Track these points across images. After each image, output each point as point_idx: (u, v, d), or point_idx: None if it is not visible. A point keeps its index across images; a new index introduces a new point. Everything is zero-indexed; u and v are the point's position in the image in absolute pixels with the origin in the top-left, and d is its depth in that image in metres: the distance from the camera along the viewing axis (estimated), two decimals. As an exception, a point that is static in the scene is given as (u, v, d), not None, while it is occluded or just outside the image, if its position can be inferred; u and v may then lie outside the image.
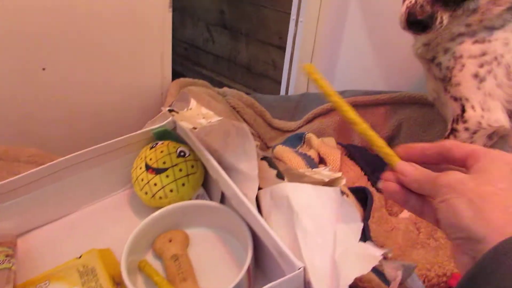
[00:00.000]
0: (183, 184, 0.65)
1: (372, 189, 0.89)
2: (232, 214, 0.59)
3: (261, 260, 0.57)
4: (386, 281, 0.53)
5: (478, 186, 0.32)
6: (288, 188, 0.55)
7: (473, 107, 0.76)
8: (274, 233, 0.50)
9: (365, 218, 0.81)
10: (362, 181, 0.94)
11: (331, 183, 0.63)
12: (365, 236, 0.78)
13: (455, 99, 0.78)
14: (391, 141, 1.11)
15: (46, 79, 0.90)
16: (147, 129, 0.70)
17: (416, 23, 0.69)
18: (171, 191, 0.64)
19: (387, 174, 0.40)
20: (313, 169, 0.75)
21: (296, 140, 1.07)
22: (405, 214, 0.87)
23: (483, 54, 0.75)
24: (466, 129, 0.77)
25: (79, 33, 0.91)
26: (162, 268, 0.58)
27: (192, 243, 0.61)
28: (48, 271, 0.56)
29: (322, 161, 0.98)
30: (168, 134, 0.71)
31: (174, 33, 1.09)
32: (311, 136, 1.04)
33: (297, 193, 0.54)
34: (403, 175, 0.38)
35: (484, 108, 0.75)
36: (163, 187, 0.64)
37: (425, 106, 1.04)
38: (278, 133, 1.22)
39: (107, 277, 0.54)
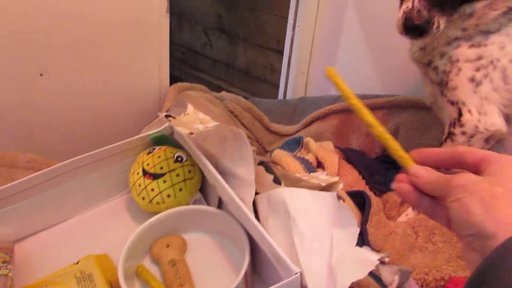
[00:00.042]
0: (180, 189, 0.65)
1: (370, 193, 0.89)
2: (230, 219, 0.59)
3: (258, 265, 0.57)
4: (384, 286, 0.53)
5: (490, 187, 0.33)
6: (285, 193, 0.55)
7: (470, 111, 0.76)
8: (271, 238, 0.50)
9: (363, 222, 0.81)
10: (360, 185, 0.94)
11: (328, 187, 0.64)
12: (363, 240, 0.78)
13: (452, 103, 0.79)
14: (388, 145, 1.11)
15: (44, 84, 0.90)
16: (144, 134, 0.70)
17: (413, 28, 0.70)
18: (168, 196, 0.64)
19: (401, 176, 0.41)
20: (310, 174, 0.76)
21: (294, 144, 1.07)
22: (403, 218, 0.87)
23: (479, 58, 0.75)
24: (463, 133, 0.77)
25: (76, 39, 0.91)
26: (159, 274, 0.58)
27: (189, 248, 0.61)
28: (45, 276, 0.56)
29: (320, 165, 0.98)
30: (165, 139, 0.71)
31: (172, 38, 1.10)
32: (309, 140, 1.04)
33: (294, 198, 0.54)
34: (416, 178, 0.39)
35: (481, 112, 0.75)
36: (160, 192, 0.64)
37: (422, 110, 1.04)
38: (276, 137, 1.22)
39: (105, 283, 0.54)
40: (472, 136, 0.76)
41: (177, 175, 0.65)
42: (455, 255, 0.69)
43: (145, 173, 0.66)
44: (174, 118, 0.63)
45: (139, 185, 0.65)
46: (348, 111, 1.14)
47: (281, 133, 1.21)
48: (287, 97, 1.45)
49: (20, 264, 0.60)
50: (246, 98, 1.26)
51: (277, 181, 0.59)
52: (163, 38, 1.06)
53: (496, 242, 0.30)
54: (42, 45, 0.87)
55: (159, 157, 0.67)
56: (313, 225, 0.51)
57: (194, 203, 0.68)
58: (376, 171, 1.01)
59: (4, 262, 0.55)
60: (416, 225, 0.80)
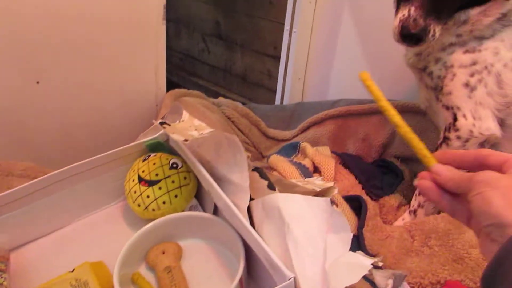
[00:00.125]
0: (176, 196, 0.65)
1: (366, 198, 0.90)
2: (225, 225, 0.60)
3: (254, 270, 0.57)
4: (378, 290, 0.53)
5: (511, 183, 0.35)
6: (279, 198, 0.55)
7: (464, 116, 0.77)
8: (266, 244, 0.50)
9: (360, 227, 0.81)
10: (357, 190, 0.94)
11: (323, 192, 0.64)
12: (360, 244, 0.78)
13: (447, 108, 0.79)
14: (385, 149, 1.11)
15: (40, 92, 0.91)
16: (139, 141, 0.71)
17: (409, 36, 0.70)
18: (164, 203, 0.65)
19: (423, 174, 0.43)
20: (306, 179, 0.76)
21: (291, 150, 1.08)
22: (400, 222, 0.87)
23: (474, 63, 0.76)
24: (458, 137, 0.77)
25: (72, 46, 0.92)
26: (155, 280, 0.58)
27: (185, 254, 0.61)
28: (41, 285, 0.56)
29: (316, 170, 0.98)
30: (161, 146, 0.72)
31: (170, 44, 1.10)
32: (305, 145, 1.05)
33: (288, 204, 0.54)
34: (438, 175, 0.41)
35: (476, 117, 0.76)
36: (155, 199, 0.64)
37: (418, 114, 1.05)
38: (273, 142, 1.22)
39: (100, 290, 0.54)
40: (467, 141, 0.76)
41: (173, 181, 0.66)
42: (450, 259, 0.69)
43: (140, 180, 0.66)
44: (169, 125, 0.63)
45: (135, 192, 0.66)
46: (344, 116, 1.14)
47: (278, 138, 1.21)
48: (284, 103, 1.45)
49: (15, 272, 0.60)
50: (243, 103, 1.27)
51: (271, 187, 0.59)
52: (160, 45, 1.06)
53: None
54: (38, 53, 0.88)
55: (154, 164, 0.67)
56: (307, 230, 0.51)
57: (190, 209, 0.68)
58: (373, 175, 1.02)
59: (-1, 270, 0.55)
60: (413, 229, 0.80)
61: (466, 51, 0.77)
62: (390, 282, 0.47)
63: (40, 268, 0.61)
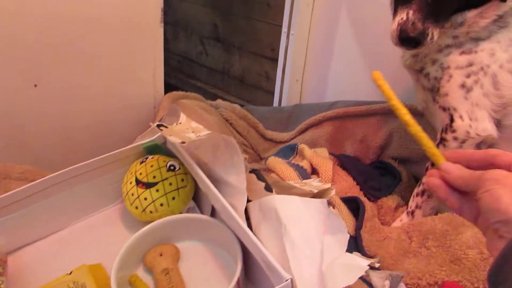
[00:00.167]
0: (174, 198, 0.65)
1: (364, 199, 0.90)
2: (223, 227, 0.60)
3: (251, 272, 0.57)
4: (376, 291, 0.53)
5: None
6: (276, 200, 0.55)
7: (461, 117, 0.77)
8: (263, 245, 0.50)
9: (357, 228, 0.81)
10: (355, 191, 0.94)
11: (320, 194, 0.64)
12: (357, 245, 0.78)
13: (444, 109, 0.79)
14: (383, 151, 1.12)
15: (38, 95, 0.91)
16: (137, 143, 0.71)
17: (408, 39, 0.71)
18: (161, 205, 0.65)
19: (432, 171, 0.44)
20: (303, 181, 0.76)
21: (289, 151, 1.08)
22: (398, 223, 0.87)
23: (470, 64, 0.76)
24: (455, 138, 0.78)
25: (70, 49, 0.92)
26: (153, 283, 0.58)
27: (182, 256, 0.61)
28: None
29: (314, 171, 0.99)
30: (158, 148, 0.72)
31: (168, 47, 1.11)
32: (303, 147, 1.05)
33: (285, 205, 0.54)
34: (447, 173, 0.42)
35: (472, 118, 0.76)
36: (153, 201, 0.64)
37: (415, 116, 1.02)
38: (271, 144, 1.22)
39: (97, 293, 0.54)
40: (463, 142, 0.77)
41: (170, 183, 0.66)
42: (448, 260, 0.69)
43: (138, 182, 0.66)
44: (166, 127, 0.63)
45: (132, 195, 0.66)
46: (342, 118, 1.15)
47: (276, 140, 1.21)
48: (282, 104, 1.46)
49: (13, 275, 0.60)
50: (241, 105, 1.27)
51: (268, 188, 0.59)
52: (158, 48, 1.07)
53: None
54: (36, 57, 0.88)
55: (152, 166, 0.67)
56: (304, 232, 0.51)
57: (187, 211, 0.68)
58: (371, 177, 1.02)
59: (-3, 273, 0.55)
60: (410, 230, 0.80)
61: (462, 53, 0.77)
62: (387, 283, 0.47)
63: (38, 270, 0.61)
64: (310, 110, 1.21)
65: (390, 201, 0.94)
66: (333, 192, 0.64)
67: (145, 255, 0.61)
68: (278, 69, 1.43)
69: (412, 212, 0.85)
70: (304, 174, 0.93)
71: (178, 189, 0.66)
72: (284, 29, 1.35)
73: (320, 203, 0.53)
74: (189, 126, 0.66)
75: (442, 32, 0.75)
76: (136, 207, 0.65)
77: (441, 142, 0.80)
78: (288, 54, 1.37)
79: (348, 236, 0.48)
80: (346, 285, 0.43)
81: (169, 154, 0.71)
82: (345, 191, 0.93)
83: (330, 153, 1.06)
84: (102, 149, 0.72)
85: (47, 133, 0.96)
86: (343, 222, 0.49)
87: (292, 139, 1.20)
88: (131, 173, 0.68)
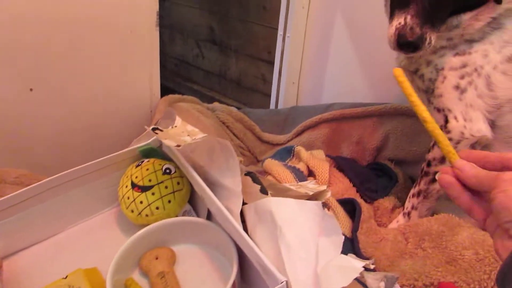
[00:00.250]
0: (169, 201, 0.65)
1: (360, 201, 0.90)
2: (218, 230, 0.60)
3: (247, 274, 0.57)
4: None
5: None
6: (272, 203, 0.55)
7: (455, 118, 0.77)
8: (258, 248, 0.50)
9: (354, 230, 0.81)
10: (351, 193, 0.94)
11: (316, 196, 0.64)
12: (354, 247, 0.78)
13: (438, 110, 0.80)
14: (379, 152, 1.12)
15: (34, 99, 0.91)
16: (132, 147, 0.71)
17: (406, 44, 0.71)
18: (157, 208, 0.65)
19: (446, 169, 0.44)
20: (299, 183, 0.76)
21: (286, 154, 1.08)
22: (394, 224, 0.88)
23: (464, 66, 0.76)
24: (450, 139, 0.78)
25: (65, 52, 0.92)
26: (148, 286, 0.58)
27: (178, 260, 0.61)
28: (34, 292, 0.56)
29: (311, 173, 0.99)
30: (154, 152, 0.72)
31: (165, 50, 1.11)
32: (300, 149, 1.05)
33: (281, 208, 0.54)
34: (461, 171, 0.42)
35: (466, 119, 0.76)
36: (149, 205, 0.64)
37: (411, 117, 1.06)
38: (268, 146, 1.23)
39: (93, 297, 0.54)
40: (458, 142, 0.77)
41: (166, 187, 0.66)
42: (444, 261, 0.70)
43: (133, 185, 0.66)
44: (161, 131, 0.64)
45: (128, 198, 0.66)
46: (338, 120, 1.15)
47: (272, 142, 1.22)
48: (279, 107, 1.46)
49: (8, 280, 0.59)
50: (238, 108, 1.27)
51: (263, 191, 0.59)
52: (154, 51, 1.07)
53: None
54: (31, 61, 0.88)
55: (147, 169, 0.67)
56: (299, 234, 0.51)
57: (183, 215, 0.68)
58: (367, 178, 1.02)
59: (-8, 278, 0.55)
60: (407, 231, 0.81)
61: (457, 54, 0.77)
62: (382, 284, 0.47)
63: (34, 275, 0.61)
64: (307, 112, 1.22)
65: (386, 202, 0.94)
66: (328, 194, 0.64)
67: (140, 258, 0.60)
68: (274, 71, 1.44)
69: (408, 213, 0.86)
70: (300, 176, 0.93)
71: (173, 192, 0.66)
72: (280, 32, 1.36)
73: (315, 205, 0.53)
74: (185, 129, 0.66)
75: (438, 35, 0.76)
76: (132, 211, 0.65)
77: (436, 143, 0.81)
78: (284, 56, 1.37)
79: (343, 238, 0.48)
80: (341, 286, 0.43)
81: (165, 157, 0.71)
82: (341, 192, 0.93)
83: (326, 155, 1.06)
84: (97, 152, 0.72)
85: (43, 137, 0.96)
86: (338, 224, 0.49)
87: (288, 141, 1.20)
88: (127, 177, 0.68)
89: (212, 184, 0.61)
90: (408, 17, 0.70)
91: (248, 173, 0.63)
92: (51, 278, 0.57)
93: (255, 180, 0.62)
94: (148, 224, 0.62)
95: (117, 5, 0.96)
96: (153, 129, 0.63)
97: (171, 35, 2.12)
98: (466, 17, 0.75)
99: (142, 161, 0.69)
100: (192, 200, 0.70)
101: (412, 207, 0.85)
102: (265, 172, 0.97)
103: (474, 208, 0.42)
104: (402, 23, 0.70)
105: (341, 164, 1.03)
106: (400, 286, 0.65)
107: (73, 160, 0.72)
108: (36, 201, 0.64)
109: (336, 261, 0.46)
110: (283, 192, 0.63)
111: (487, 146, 0.78)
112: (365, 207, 0.88)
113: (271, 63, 1.48)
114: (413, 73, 0.85)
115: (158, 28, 1.04)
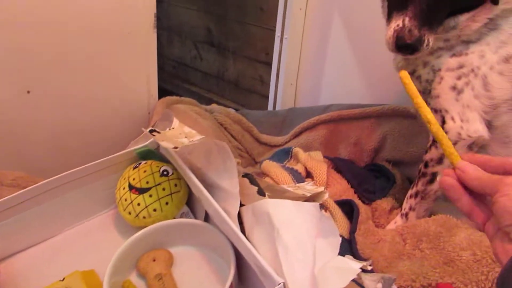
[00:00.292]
0: (167, 203, 0.65)
1: (358, 202, 0.90)
2: (216, 231, 0.60)
3: (244, 276, 0.57)
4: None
5: None
6: (269, 204, 0.55)
7: (452, 119, 0.77)
8: (255, 250, 0.50)
9: (352, 231, 0.81)
10: (349, 194, 0.94)
11: (314, 197, 0.64)
12: (352, 248, 0.78)
13: (435, 111, 0.80)
14: (377, 153, 1.12)
15: (31, 101, 0.91)
16: (130, 149, 0.71)
17: (405, 46, 0.71)
18: (154, 210, 0.65)
19: (448, 171, 0.44)
20: (297, 184, 0.76)
21: (283, 155, 1.08)
22: (392, 225, 0.88)
23: (461, 66, 0.77)
24: (447, 140, 0.78)
25: (63, 55, 0.92)
26: (146, 288, 0.58)
27: (176, 262, 0.61)
28: (31, 294, 0.56)
29: (309, 175, 0.99)
30: (151, 154, 0.72)
31: (163, 52, 1.11)
32: (298, 151, 1.05)
33: (278, 209, 0.54)
34: (463, 173, 0.42)
35: (463, 119, 0.77)
36: (146, 207, 0.64)
37: (408, 118, 1.06)
38: (266, 148, 1.23)
39: (90, 299, 0.54)
40: (455, 143, 0.77)
41: (163, 189, 0.66)
42: (441, 262, 0.70)
43: (131, 187, 0.66)
44: (158, 133, 0.64)
45: (125, 200, 0.66)
46: (336, 121, 1.15)
47: (270, 144, 1.22)
48: (277, 108, 1.46)
49: (5, 282, 0.59)
50: (236, 110, 1.27)
51: (261, 193, 0.59)
52: (151, 53, 1.07)
53: None
54: (29, 63, 0.88)
55: (145, 171, 0.67)
56: (296, 235, 0.51)
57: (181, 216, 0.68)
58: (365, 179, 1.02)
59: (-11, 281, 0.54)
60: (404, 232, 0.81)
61: (453, 55, 0.78)
62: (379, 285, 0.47)
63: (31, 277, 0.61)
64: (304, 114, 1.22)
65: (384, 203, 0.94)
66: (326, 196, 0.64)
67: (138, 260, 0.60)
68: (272, 73, 1.44)
69: (406, 214, 0.86)
70: (298, 178, 0.93)
71: (171, 194, 0.66)
72: (278, 33, 1.36)
73: (312, 206, 0.53)
74: (182, 131, 0.66)
75: (435, 36, 0.76)
76: (129, 213, 0.65)
77: (433, 144, 0.81)
78: (282, 58, 1.38)
79: (340, 239, 0.48)
80: (338, 288, 0.43)
81: (162, 159, 0.71)
82: (339, 194, 0.93)
83: (324, 156, 1.06)
84: (95, 154, 0.72)
85: (40, 139, 0.96)
86: (335, 225, 0.49)
87: (286, 142, 1.20)
88: (124, 179, 0.68)
89: (209, 186, 0.61)
90: (406, 19, 0.70)
91: (245, 175, 0.63)
92: (48, 281, 0.57)
93: (253, 181, 0.62)
94: (145, 226, 0.62)
95: (114, 7, 0.96)
96: (151, 131, 0.63)
97: (169, 37, 2.12)
98: (463, 18, 0.75)
99: (140, 163, 0.69)
100: (190, 202, 0.69)
101: (410, 208, 0.85)
102: (263, 174, 0.97)
103: (474, 211, 0.42)
104: (401, 25, 0.70)
105: (339, 165, 1.03)
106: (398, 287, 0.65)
107: (70, 162, 0.72)
108: (33, 203, 0.64)
109: (334, 263, 0.46)
110: (280, 194, 0.63)
111: (484, 146, 0.78)
112: (363, 208, 0.88)
113: (269, 64, 1.48)
114: (410, 74, 0.84)
115: (155, 30, 1.04)
